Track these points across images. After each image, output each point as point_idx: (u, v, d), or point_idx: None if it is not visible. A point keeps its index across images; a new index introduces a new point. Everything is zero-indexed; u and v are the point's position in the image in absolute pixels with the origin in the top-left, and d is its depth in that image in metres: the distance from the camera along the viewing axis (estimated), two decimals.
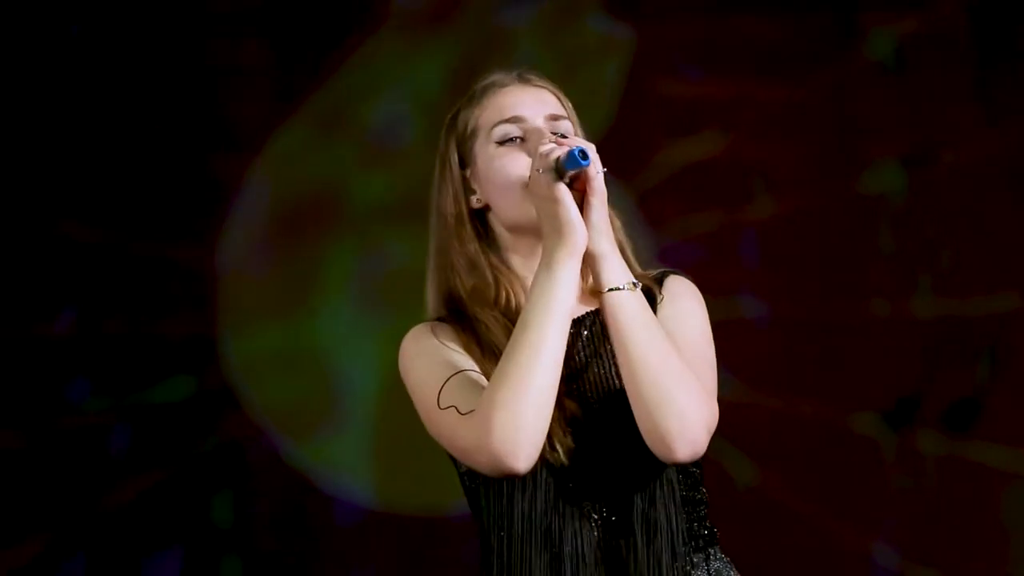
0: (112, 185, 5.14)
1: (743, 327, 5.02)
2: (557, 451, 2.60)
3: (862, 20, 5.07)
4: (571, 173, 2.58)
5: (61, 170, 5.14)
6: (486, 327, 2.68)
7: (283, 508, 5.10)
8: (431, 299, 2.78)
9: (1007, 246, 5.01)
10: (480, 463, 2.55)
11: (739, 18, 5.09)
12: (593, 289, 2.66)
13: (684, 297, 2.74)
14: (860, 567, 4.98)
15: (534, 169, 2.60)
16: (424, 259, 2.81)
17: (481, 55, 5.00)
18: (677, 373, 2.55)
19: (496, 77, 2.79)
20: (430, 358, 2.66)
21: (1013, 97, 5.03)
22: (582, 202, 2.59)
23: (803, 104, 5.06)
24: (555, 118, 2.75)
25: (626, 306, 2.57)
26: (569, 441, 2.61)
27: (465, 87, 2.85)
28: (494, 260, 2.74)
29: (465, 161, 2.77)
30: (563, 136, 2.68)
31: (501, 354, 2.57)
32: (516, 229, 2.73)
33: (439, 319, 2.72)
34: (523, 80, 2.78)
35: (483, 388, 2.58)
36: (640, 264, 2.78)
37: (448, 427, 2.60)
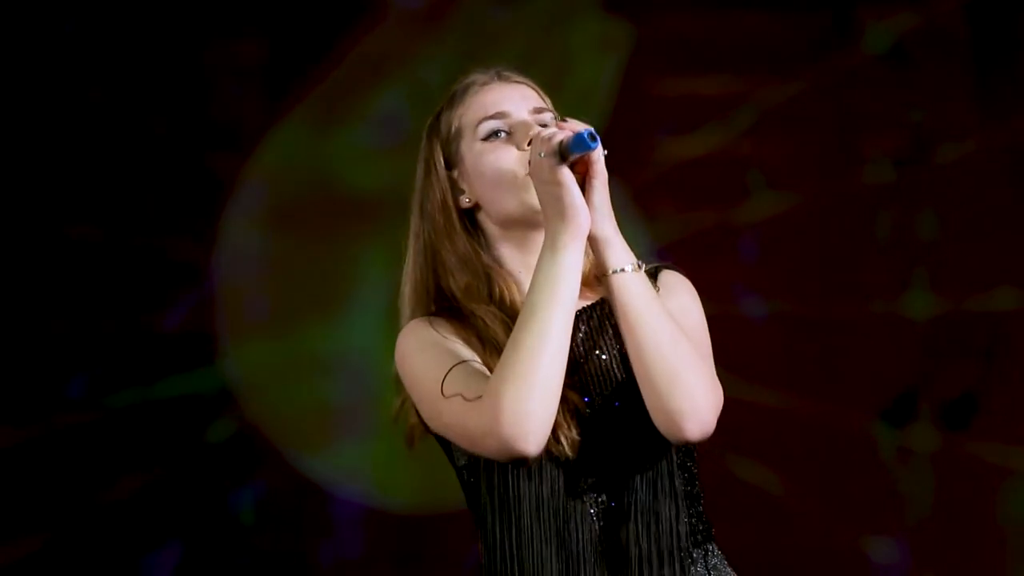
0: (110, 182, 5.14)
1: (740, 324, 5.02)
2: (562, 444, 2.60)
3: (859, 16, 5.07)
4: (574, 157, 2.58)
5: (59, 167, 5.13)
6: (484, 323, 2.68)
7: (281, 505, 5.10)
8: (409, 298, 2.78)
9: (1005, 243, 5.00)
10: (490, 448, 2.54)
11: (736, 14, 5.09)
12: (591, 281, 2.67)
13: (680, 291, 2.74)
14: (857, 564, 4.98)
15: (535, 154, 2.60)
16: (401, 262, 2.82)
17: (478, 52, 5.00)
18: (686, 354, 2.57)
19: (475, 76, 2.80)
20: (431, 349, 2.66)
21: (1010, 93, 5.03)
22: (583, 185, 2.60)
23: (800, 101, 5.06)
24: (539, 111, 2.76)
25: (633, 287, 2.58)
26: (574, 434, 2.61)
27: None
28: (485, 258, 2.74)
29: (451, 162, 2.78)
30: (564, 120, 2.68)
31: (501, 348, 2.57)
32: (508, 223, 2.73)
33: (432, 314, 2.72)
34: (502, 78, 2.79)
35: (487, 376, 2.58)
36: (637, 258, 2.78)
37: (455, 415, 2.59)
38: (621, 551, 2.62)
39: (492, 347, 2.64)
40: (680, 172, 5.07)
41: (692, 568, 2.69)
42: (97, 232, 5.12)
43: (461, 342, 2.67)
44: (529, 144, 2.66)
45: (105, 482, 5.09)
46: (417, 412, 2.70)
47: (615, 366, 2.66)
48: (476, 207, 2.76)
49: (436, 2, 5.16)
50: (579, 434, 2.62)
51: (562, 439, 2.60)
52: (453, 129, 2.78)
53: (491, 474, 2.63)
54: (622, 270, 2.59)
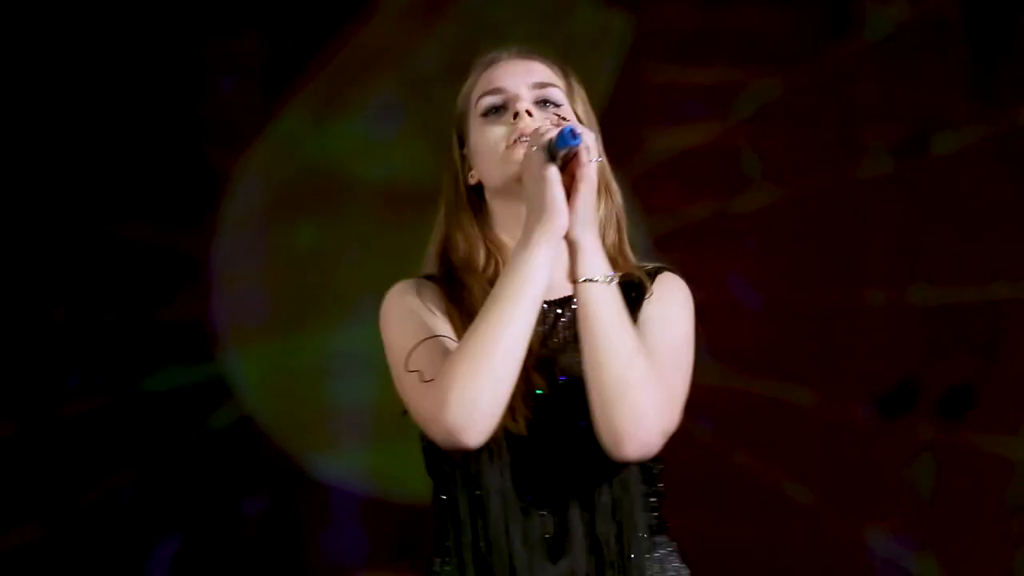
0: (109, 176, 5.13)
1: (738, 316, 5.02)
2: (518, 422, 2.60)
3: (856, 7, 5.06)
4: (562, 154, 2.58)
5: (58, 162, 5.13)
6: (470, 293, 2.68)
7: (278, 497, 5.10)
8: (425, 262, 2.79)
9: (1003, 234, 5.00)
10: (434, 434, 2.55)
11: (734, 6, 5.08)
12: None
13: (673, 299, 2.72)
14: (857, 555, 4.99)
15: (529, 147, 2.61)
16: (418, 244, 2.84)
17: (475, 43, 4.99)
18: (639, 375, 2.54)
19: (492, 54, 2.81)
20: (409, 317, 2.67)
21: (1008, 84, 5.03)
22: (570, 189, 2.59)
23: (798, 91, 5.06)
24: (541, 86, 2.75)
25: (598, 300, 2.56)
26: (529, 413, 2.61)
27: (459, 76, 2.85)
28: (489, 235, 2.75)
29: (463, 139, 2.78)
30: (562, 119, 2.68)
31: None
32: (500, 196, 2.74)
33: (428, 276, 2.74)
34: (512, 55, 2.79)
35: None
36: (636, 252, 2.78)
37: (410, 392, 2.62)
38: (579, 539, 2.62)
39: (471, 320, 2.63)
40: (678, 163, 5.07)
41: (645, 561, 2.69)
42: (96, 225, 5.12)
43: (442, 314, 2.68)
44: (520, 138, 2.67)
45: (104, 473, 5.09)
46: None
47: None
48: (481, 184, 2.77)
49: None
50: (541, 419, 2.62)
51: (519, 417, 2.60)
52: (462, 107, 2.79)
53: (454, 456, 2.64)
54: (590, 280, 2.57)
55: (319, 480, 5.06)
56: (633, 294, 2.69)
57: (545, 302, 2.67)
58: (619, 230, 2.78)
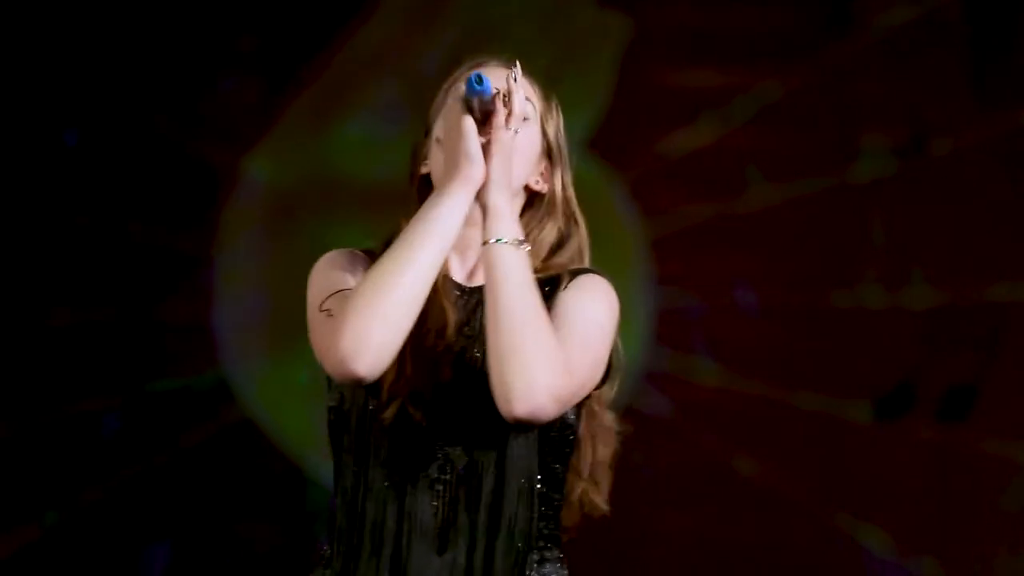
0: (111, 175, 5.14)
1: (737, 316, 5.02)
2: (413, 406, 2.61)
3: (857, 8, 5.06)
4: (477, 105, 2.61)
5: (60, 160, 5.14)
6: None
7: (278, 497, 5.10)
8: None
9: (1002, 234, 5.00)
10: (328, 364, 2.57)
11: (733, 6, 5.09)
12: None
13: (587, 288, 2.71)
14: (855, 555, 4.99)
15: (451, 99, 2.66)
16: None
17: (476, 43, 5.00)
18: (538, 333, 2.53)
19: (480, 58, 2.80)
20: (331, 273, 2.70)
21: (1007, 84, 5.03)
22: (487, 151, 2.62)
23: (797, 92, 5.06)
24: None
25: (504, 260, 2.56)
26: (429, 402, 2.61)
27: None
28: None
29: (428, 131, 2.80)
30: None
31: None
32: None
33: (365, 250, 2.75)
34: (503, 63, 2.78)
35: None
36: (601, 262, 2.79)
37: (314, 329, 2.64)
38: (464, 534, 2.62)
39: None
40: (678, 164, 5.07)
41: (531, 563, 2.67)
42: (97, 224, 5.12)
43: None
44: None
45: (101, 474, 5.09)
46: None
47: None
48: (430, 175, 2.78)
49: None
50: (440, 408, 2.62)
51: (415, 402, 2.61)
52: (438, 101, 2.78)
53: (349, 420, 2.66)
54: (497, 240, 2.57)
55: (320, 483, 5.07)
56: (552, 288, 2.68)
57: (465, 289, 2.69)
58: (578, 257, 2.77)
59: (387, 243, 2.66)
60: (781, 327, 5.04)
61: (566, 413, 2.66)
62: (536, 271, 2.67)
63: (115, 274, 5.13)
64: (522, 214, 2.75)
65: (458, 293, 2.69)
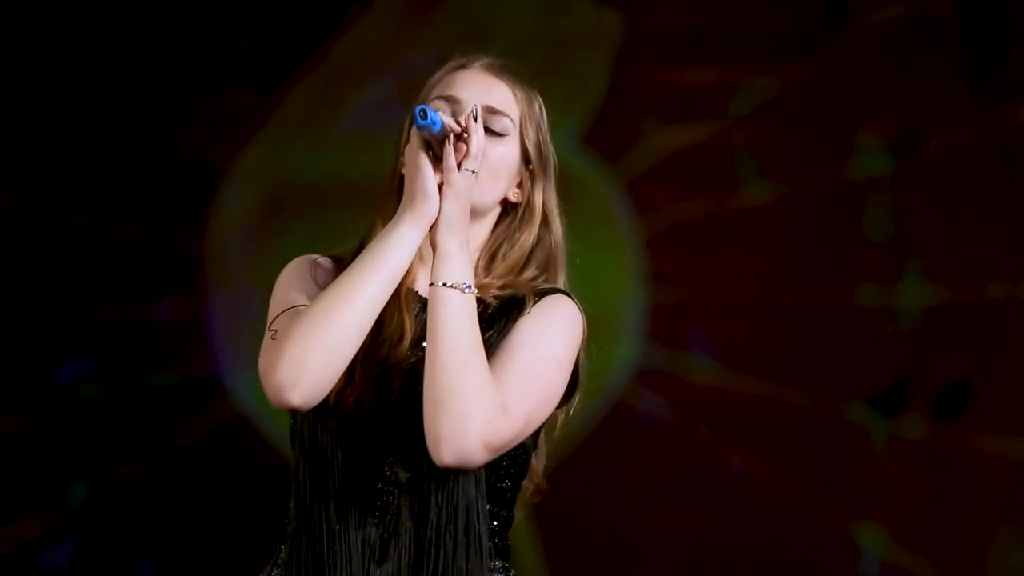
0: (104, 172, 5.13)
1: (732, 314, 5.02)
2: (362, 415, 2.60)
3: (851, 5, 5.06)
4: (433, 142, 2.56)
5: (53, 157, 5.13)
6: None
7: (273, 493, 5.09)
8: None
9: (997, 233, 5.00)
10: (265, 389, 2.55)
11: (727, 4, 5.08)
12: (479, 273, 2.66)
13: (551, 319, 2.66)
14: (849, 554, 4.98)
15: (413, 129, 2.60)
16: None
17: (469, 41, 4.98)
18: (470, 384, 2.50)
19: (465, 58, 2.77)
20: (291, 288, 2.69)
21: (1002, 82, 5.02)
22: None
23: (792, 90, 5.05)
24: (492, 111, 2.70)
25: (446, 304, 2.53)
26: (376, 412, 2.59)
27: None
28: None
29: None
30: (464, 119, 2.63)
31: None
32: None
33: (333, 256, 2.73)
34: (486, 67, 2.75)
35: None
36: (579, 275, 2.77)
37: (262, 348, 2.62)
38: (405, 547, 2.60)
39: None
40: (673, 162, 5.07)
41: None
42: (90, 221, 5.11)
43: (323, 289, 2.65)
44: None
45: (96, 471, 5.09)
46: None
47: None
48: None
49: None
50: (389, 422, 2.60)
51: (364, 412, 2.60)
52: (421, 98, 2.74)
53: (303, 426, 2.64)
54: (442, 284, 2.53)
55: None
56: (515, 311, 2.65)
57: (423, 299, 2.65)
58: (550, 267, 2.74)
59: (360, 247, 2.65)
60: (776, 325, 5.04)
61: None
62: (503, 287, 2.66)
63: (109, 272, 5.12)
64: (496, 225, 2.73)
65: (419, 306, 2.65)
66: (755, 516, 4.99)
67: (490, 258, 2.72)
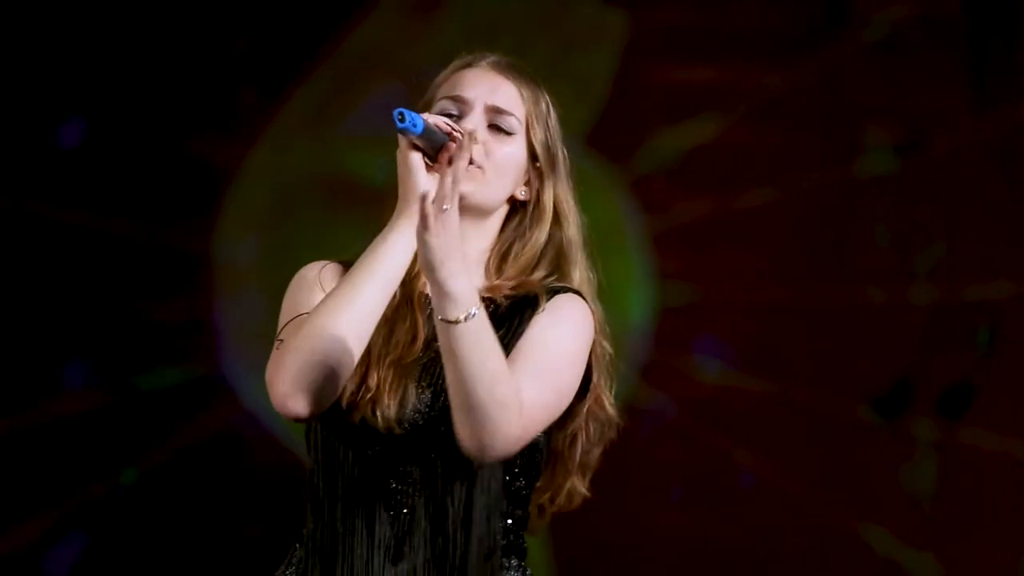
0: (109, 172, 5.13)
1: (737, 314, 5.02)
2: (377, 418, 2.59)
3: (855, 4, 5.06)
4: (416, 142, 2.54)
5: (57, 158, 5.13)
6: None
7: (278, 493, 5.10)
8: None
9: (1001, 232, 5.00)
10: (272, 399, 2.57)
11: (732, 3, 5.08)
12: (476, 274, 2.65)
13: (563, 317, 2.65)
14: (855, 553, 4.98)
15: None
16: None
17: (475, 40, 4.98)
18: (488, 395, 2.47)
19: (472, 56, 2.77)
20: (299, 296, 2.68)
21: (1007, 82, 5.02)
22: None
23: (796, 90, 5.05)
24: (497, 111, 2.70)
25: (451, 336, 2.47)
26: (391, 413, 2.59)
27: None
28: None
29: None
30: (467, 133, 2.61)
31: None
32: None
33: (343, 261, 2.72)
34: (492, 65, 2.74)
35: None
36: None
37: (269, 360, 2.62)
38: (421, 545, 2.60)
39: None
40: (677, 161, 5.07)
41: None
42: (97, 223, 5.12)
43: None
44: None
45: (102, 472, 5.09)
46: None
47: None
48: None
49: None
50: (401, 412, 2.59)
51: (379, 414, 2.58)
52: (427, 98, 2.75)
53: (318, 426, 2.64)
54: (441, 320, 2.46)
55: None
56: (528, 309, 2.65)
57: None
58: (563, 264, 2.73)
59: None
60: (781, 324, 5.03)
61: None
62: (515, 287, 2.66)
63: (116, 273, 5.13)
64: (505, 224, 2.72)
65: (431, 307, 2.61)
66: (760, 515, 4.99)
67: (501, 258, 2.71)
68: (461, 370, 2.47)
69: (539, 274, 2.71)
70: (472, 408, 2.47)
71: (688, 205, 5.07)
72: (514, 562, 2.67)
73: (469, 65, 2.75)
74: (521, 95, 2.72)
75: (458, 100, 2.70)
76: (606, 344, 2.74)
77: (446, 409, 2.54)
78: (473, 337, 2.47)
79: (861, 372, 5.02)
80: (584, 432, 2.75)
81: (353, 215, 5.06)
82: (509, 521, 2.66)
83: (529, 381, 2.56)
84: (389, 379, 2.60)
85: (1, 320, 5.10)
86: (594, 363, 2.70)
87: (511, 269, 2.70)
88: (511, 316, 2.65)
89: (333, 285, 2.65)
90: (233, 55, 5.18)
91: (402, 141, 2.58)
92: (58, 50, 5.13)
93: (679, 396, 5.02)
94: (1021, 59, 5.02)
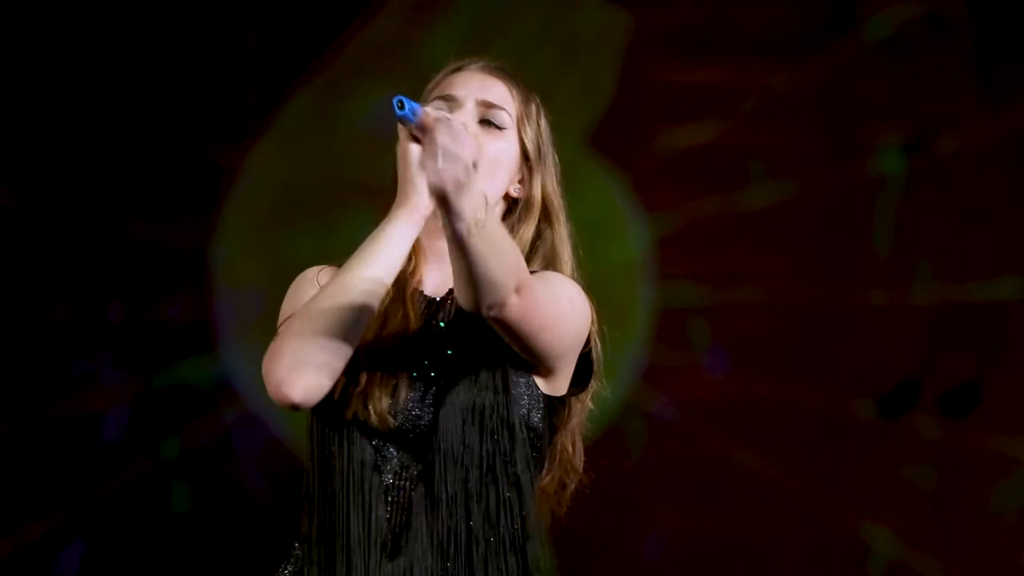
0: (113, 172, 5.14)
1: (741, 313, 5.02)
2: (370, 412, 2.60)
3: (861, 4, 5.06)
4: (409, 127, 2.54)
5: (62, 158, 5.14)
6: None
7: (278, 493, 5.10)
8: None
9: (1007, 232, 5.00)
10: (268, 389, 2.58)
11: (737, 3, 5.08)
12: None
13: (560, 278, 2.69)
14: (858, 552, 4.98)
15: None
16: None
17: (480, 39, 5.00)
18: (512, 274, 2.46)
19: (462, 61, 2.81)
20: (297, 296, 2.71)
21: (1013, 82, 5.02)
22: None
23: (802, 89, 5.05)
24: (488, 105, 2.74)
25: (470, 250, 2.43)
26: (383, 407, 2.60)
27: None
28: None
29: None
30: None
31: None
32: None
33: (343, 264, 2.72)
34: (480, 67, 2.79)
35: None
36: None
37: (268, 350, 2.62)
38: (422, 537, 2.61)
39: None
40: (682, 161, 5.07)
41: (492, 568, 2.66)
42: (100, 222, 5.12)
43: None
44: None
45: (107, 471, 5.09)
46: None
47: (457, 359, 2.64)
48: None
49: None
50: (394, 406, 2.60)
51: (371, 408, 2.60)
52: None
53: (312, 430, 2.66)
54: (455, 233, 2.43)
55: None
56: None
57: (434, 301, 2.68)
58: (553, 260, 2.75)
59: None
60: (785, 324, 5.03)
61: (533, 419, 2.63)
62: None
63: (118, 271, 5.13)
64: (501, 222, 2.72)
65: (425, 304, 2.67)
66: (762, 516, 4.99)
67: None
68: (477, 264, 2.43)
69: (533, 265, 2.74)
70: (480, 281, 2.45)
71: (691, 205, 5.07)
72: (512, 556, 2.67)
73: (459, 68, 2.80)
74: (511, 93, 2.77)
75: (449, 99, 2.75)
76: (596, 339, 2.75)
77: (439, 402, 2.56)
78: (485, 241, 2.43)
79: (866, 371, 5.02)
80: (580, 429, 2.76)
81: (357, 214, 5.06)
82: (508, 515, 2.66)
83: (533, 291, 2.53)
84: (380, 374, 2.61)
85: (6, 319, 5.11)
86: (592, 349, 2.71)
87: None
88: None
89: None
90: (238, 54, 5.18)
91: (402, 133, 2.60)
92: (59, 50, 5.13)
93: (681, 396, 5.02)
94: None
